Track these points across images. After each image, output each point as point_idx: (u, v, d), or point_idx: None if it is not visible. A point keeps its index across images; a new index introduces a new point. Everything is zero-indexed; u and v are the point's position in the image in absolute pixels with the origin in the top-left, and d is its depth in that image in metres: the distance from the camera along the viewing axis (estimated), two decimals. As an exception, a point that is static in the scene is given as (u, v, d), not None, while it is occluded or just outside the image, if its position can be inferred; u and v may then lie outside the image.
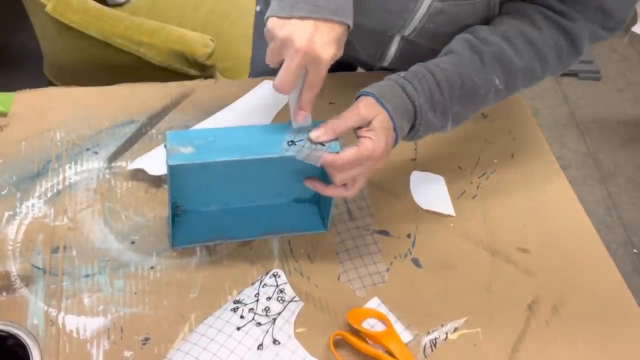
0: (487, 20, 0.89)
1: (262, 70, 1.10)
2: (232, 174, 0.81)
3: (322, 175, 0.80)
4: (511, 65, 0.84)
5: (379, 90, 0.79)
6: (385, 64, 1.03)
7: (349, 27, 0.73)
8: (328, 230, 0.87)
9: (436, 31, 0.90)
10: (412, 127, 0.81)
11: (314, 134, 0.75)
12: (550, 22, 0.86)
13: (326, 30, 0.71)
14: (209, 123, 0.97)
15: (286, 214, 0.88)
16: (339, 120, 0.76)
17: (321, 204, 0.88)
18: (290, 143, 0.75)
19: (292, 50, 0.70)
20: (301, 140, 0.75)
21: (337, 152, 0.74)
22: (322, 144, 0.75)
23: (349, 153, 0.74)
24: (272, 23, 0.72)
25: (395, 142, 0.79)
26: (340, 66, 1.06)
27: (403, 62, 1.01)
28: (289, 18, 0.71)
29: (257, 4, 1.18)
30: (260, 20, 1.20)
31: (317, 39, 0.70)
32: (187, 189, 0.81)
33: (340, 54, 0.72)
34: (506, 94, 0.87)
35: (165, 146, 0.73)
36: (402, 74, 0.82)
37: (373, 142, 0.75)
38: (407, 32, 0.93)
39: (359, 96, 0.79)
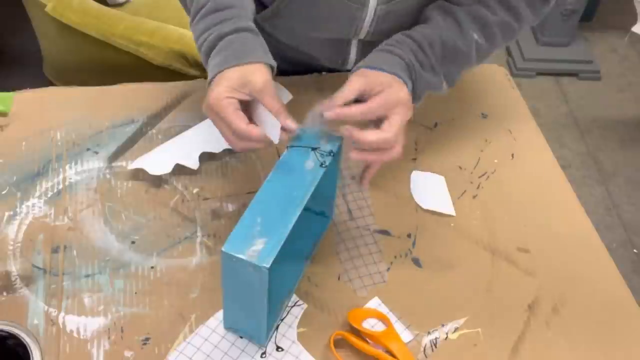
0: None
1: None
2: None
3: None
4: (486, 20, 0.88)
5: (368, 61, 0.81)
6: (349, 66, 1.05)
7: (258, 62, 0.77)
8: (328, 228, 0.87)
9: (390, 28, 0.92)
10: (412, 83, 0.82)
11: (330, 114, 0.75)
12: None
13: (214, 82, 0.76)
14: (209, 123, 0.97)
15: (296, 236, 0.77)
16: (338, 95, 0.76)
17: (317, 199, 0.83)
18: (322, 164, 0.74)
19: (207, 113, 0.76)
20: (323, 149, 0.75)
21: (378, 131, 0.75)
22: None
23: (394, 123, 0.75)
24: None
25: (409, 88, 0.80)
26: (308, 72, 1.09)
27: None
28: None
29: None
30: None
31: (211, 92, 0.75)
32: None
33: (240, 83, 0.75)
34: (489, 48, 0.90)
35: (230, 261, 0.66)
36: (382, 43, 0.85)
37: (391, 92, 0.77)
38: (362, 36, 0.96)
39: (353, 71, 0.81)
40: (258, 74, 0.76)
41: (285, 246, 0.67)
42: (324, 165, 0.74)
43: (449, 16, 0.87)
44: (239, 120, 0.73)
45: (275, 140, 0.74)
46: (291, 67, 1.06)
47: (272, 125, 0.74)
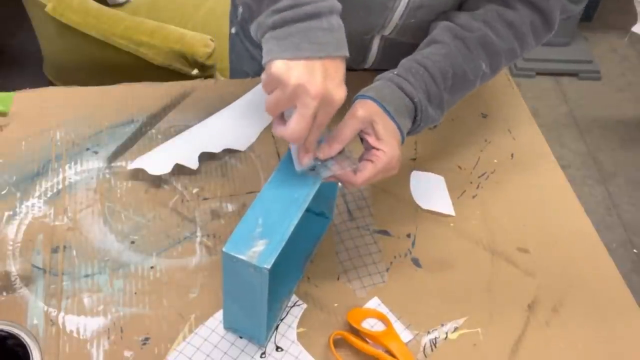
0: (462, 6, 0.90)
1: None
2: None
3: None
4: (495, 48, 0.86)
5: (378, 92, 0.78)
6: (367, 65, 1.03)
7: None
8: (328, 229, 0.87)
9: (417, 26, 0.91)
10: (413, 123, 0.81)
11: (322, 154, 0.72)
12: (523, 2, 0.87)
13: (334, 69, 0.67)
14: (209, 123, 0.97)
15: (296, 236, 0.76)
16: (341, 131, 0.73)
17: (316, 200, 0.82)
18: (311, 170, 0.73)
19: (308, 98, 0.65)
20: (318, 164, 0.74)
21: (354, 172, 0.73)
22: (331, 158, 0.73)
23: (367, 172, 0.73)
24: (277, 67, 0.65)
25: (402, 141, 0.78)
26: None
27: (385, 63, 1.02)
28: (293, 59, 0.65)
29: (230, 27, 1.17)
30: (236, 43, 1.18)
31: (329, 81, 0.66)
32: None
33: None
34: (491, 76, 0.89)
35: (231, 262, 0.66)
36: (395, 71, 0.81)
37: (386, 153, 0.74)
38: (387, 31, 0.93)
39: (356, 99, 0.78)
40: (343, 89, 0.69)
41: (285, 247, 0.67)
42: (316, 181, 0.74)
43: (460, 42, 0.84)
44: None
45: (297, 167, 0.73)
46: None
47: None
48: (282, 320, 0.77)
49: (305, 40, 0.66)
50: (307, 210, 0.80)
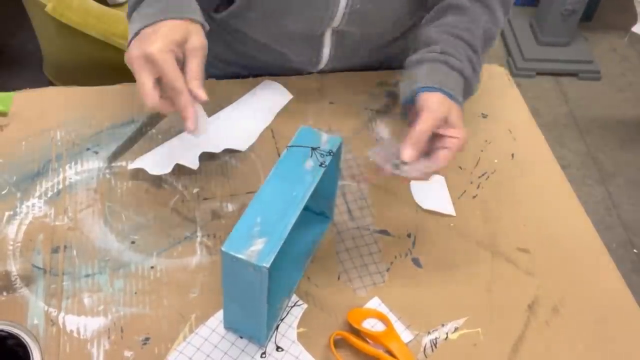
0: None
1: None
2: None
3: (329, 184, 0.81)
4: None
5: (440, 81, 0.78)
6: (322, 65, 1.03)
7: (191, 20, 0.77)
8: (328, 228, 0.87)
9: (364, 11, 0.91)
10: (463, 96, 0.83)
11: (407, 155, 0.74)
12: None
13: (151, 30, 0.75)
14: (209, 123, 0.97)
15: (296, 236, 0.76)
16: (420, 131, 0.74)
17: (317, 199, 0.83)
18: (322, 164, 0.74)
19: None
20: (327, 155, 0.75)
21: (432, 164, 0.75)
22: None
23: (445, 159, 0.75)
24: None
25: None
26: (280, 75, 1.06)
27: (339, 60, 1.02)
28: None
29: None
30: None
31: (150, 42, 0.73)
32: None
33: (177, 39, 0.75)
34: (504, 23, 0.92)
35: (230, 261, 0.66)
36: (436, 48, 0.82)
37: (460, 139, 0.76)
38: (336, 22, 0.93)
39: (419, 91, 0.78)
40: (198, 34, 0.76)
41: (285, 246, 0.67)
42: (323, 165, 0.74)
43: (478, 2, 0.87)
44: (181, 76, 0.74)
45: (191, 127, 0.76)
46: (261, 72, 1.05)
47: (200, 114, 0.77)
48: (282, 320, 0.77)
49: (137, 20, 0.77)
50: (308, 210, 0.80)
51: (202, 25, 0.79)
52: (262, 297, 0.68)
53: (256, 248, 0.65)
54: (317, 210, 0.87)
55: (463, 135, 0.76)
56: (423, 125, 0.74)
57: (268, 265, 0.64)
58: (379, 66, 1.10)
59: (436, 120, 0.75)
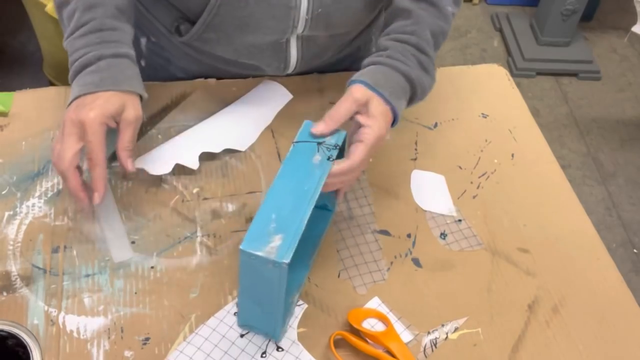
0: None
1: None
2: None
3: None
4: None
5: (372, 77, 0.81)
6: (290, 70, 1.02)
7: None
8: (329, 228, 0.87)
9: (326, 15, 0.91)
10: (411, 99, 0.85)
11: (317, 129, 0.77)
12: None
13: (89, 99, 0.79)
14: (209, 123, 0.97)
15: (311, 226, 0.78)
16: (336, 110, 0.79)
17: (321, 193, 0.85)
18: (329, 158, 0.76)
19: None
20: (328, 150, 0.76)
21: (344, 161, 0.77)
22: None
23: (359, 151, 0.77)
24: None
25: (394, 121, 0.82)
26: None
27: (307, 63, 1.02)
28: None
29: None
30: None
31: (87, 111, 0.77)
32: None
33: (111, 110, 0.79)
34: (457, 9, 0.93)
35: (249, 259, 0.67)
36: (383, 53, 0.85)
37: (374, 129, 0.78)
38: (300, 29, 0.93)
39: (350, 84, 0.82)
40: (134, 106, 0.81)
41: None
42: (331, 159, 0.76)
43: (424, 3, 0.88)
44: (103, 150, 0.78)
45: (96, 201, 0.79)
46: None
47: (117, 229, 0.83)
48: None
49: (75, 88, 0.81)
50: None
51: (140, 95, 0.83)
52: (281, 293, 0.69)
53: (275, 244, 0.66)
54: (319, 203, 0.87)
55: (377, 128, 0.78)
56: (337, 105, 0.79)
57: (288, 261, 0.65)
58: (347, 61, 1.10)
59: (353, 104, 0.79)
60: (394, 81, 0.82)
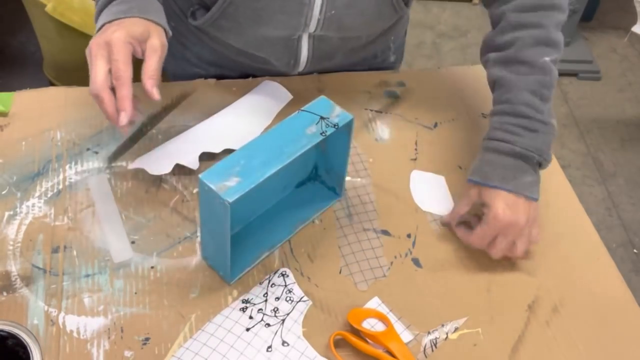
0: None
1: None
2: (266, 182, 0.77)
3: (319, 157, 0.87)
4: (546, 36, 0.89)
5: (481, 174, 0.84)
6: (301, 68, 1.03)
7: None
8: (329, 228, 0.87)
9: (339, 17, 0.92)
10: (538, 164, 0.85)
11: (443, 219, 0.89)
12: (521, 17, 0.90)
13: (115, 25, 0.78)
14: (209, 123, 0.97)
15: (301, 200, 0.88)
16: (455, 209, 0.88)
17: (330, 174, 0.89)
18: (322, 133, 0.77)
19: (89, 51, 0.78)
20: (327, 125, 0.78)
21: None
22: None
23: (476, 231, 0.84)
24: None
25: (535, 195, 0.83)
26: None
27: (317, 63, 1.02)
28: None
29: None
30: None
31: (112, 32, 0.76)
32: (233, 217, 0.74)
33: (137, 33, 0.77)
34: (559, 52, 0.92)
35: (204, 190, 0.71)
36: (486, 136, 0.87)
37: (488, 217, 0.82)
38: (312, 28, 0.93)
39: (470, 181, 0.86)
40: (159, 34, 0.80)
41: (281, 204, 0.74)
42: (324, 134, 0.77)
43: (515, 65, 0.87)
44: (130, 69, 0.75)
45: (123, 121, 0.76)
46: (244, 73, 1.06)
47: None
48: (288, 314, 0.77)
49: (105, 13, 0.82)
50: (321, 182, 0.89)
51: (165, 30, 0.82)
52: (226, 230, 0.73)
53: (228, 184, 0.70)
54: (329, 184, 0.90)
55: (492, 215, 0.81)
56: (457, 204, 0.88)
57: (231, 201, 0.69)
58: (362, 66, 1.10)
59: (466, 206, 0.87)
60: (500, 166, 0.83)
